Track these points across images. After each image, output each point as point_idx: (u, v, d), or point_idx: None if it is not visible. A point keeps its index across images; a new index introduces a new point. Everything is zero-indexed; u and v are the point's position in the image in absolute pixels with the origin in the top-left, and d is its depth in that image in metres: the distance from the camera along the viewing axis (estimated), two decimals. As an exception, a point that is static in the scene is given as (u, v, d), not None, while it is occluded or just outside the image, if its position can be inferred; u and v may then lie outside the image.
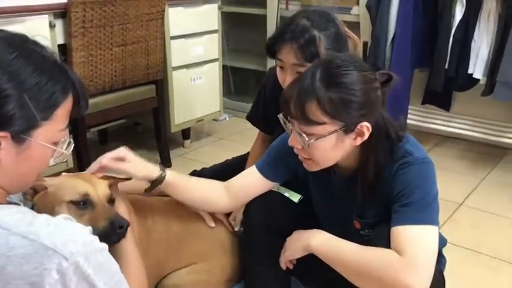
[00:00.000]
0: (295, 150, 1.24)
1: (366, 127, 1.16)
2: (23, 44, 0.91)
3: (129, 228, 1.18)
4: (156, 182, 1.36)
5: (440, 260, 1.43)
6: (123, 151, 1.36)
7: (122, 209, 1.28)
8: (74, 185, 1.15)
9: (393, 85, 1.20)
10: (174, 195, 1.42)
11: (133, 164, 1.34)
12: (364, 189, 1.26)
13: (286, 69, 1.51)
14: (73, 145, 1.01)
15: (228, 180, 1.45)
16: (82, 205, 1.14)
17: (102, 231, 1.11)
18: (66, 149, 1.00)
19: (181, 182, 1.42)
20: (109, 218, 1.14)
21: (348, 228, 1.34)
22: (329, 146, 1.18)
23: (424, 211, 1.17)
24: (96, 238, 0.90)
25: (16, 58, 0.87)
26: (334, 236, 1.24)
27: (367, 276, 1.15)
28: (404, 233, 1.15)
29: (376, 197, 1.25)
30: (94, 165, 1.33)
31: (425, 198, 1.17)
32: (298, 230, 1.32)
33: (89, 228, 0.92)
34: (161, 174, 1.36)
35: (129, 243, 1.20)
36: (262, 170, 1.41)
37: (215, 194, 1.44)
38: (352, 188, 1.29)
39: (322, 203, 1.44)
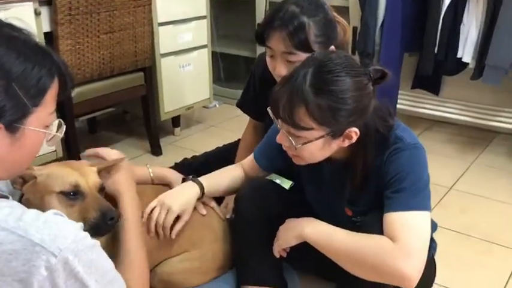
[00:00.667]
0: (283, 147, 1.24)
1: (354, 132, 1.16)
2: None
3: (131, 220, 1.18)
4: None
5: (431, 245, 1.44)
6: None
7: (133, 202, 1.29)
8: (64, 175, 1.13)
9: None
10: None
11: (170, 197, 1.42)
12: (355, 180, 1.26)
13: (276, 58, 1.49)
14: (64, 126, 1.00)
15: (240, 163, 1.56)
16: (72, 196, 1.12)
17: (93, 223, 1.10)
18: (58, 131, 0.99)
19: (214, 186, 1.50)
20: (100, 209, 1.12)
21: (340, 215, 1.35)
22: (316, 149, 1.18)
23: (416, 197, 1.17)
24: (87, 235, 0.88)
25: None
26: (327, 224, 1.24)
27: (361, 264, 1.15)
28: (397, 219, 1.15)
29: (368, 185, 1.26)
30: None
31: (417, 184, 1.18)
32: (290, 219, 1.32)
33: (80, 224, 0.90)
34: (201, 194, 1.45)
35: (130, 234, 1.19)
36: (259, 162, 1.47)
37: (240, 178, 1.53)
38: (343, 176, 1.29)
39: (314, 191, 1.44)
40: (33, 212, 0.87)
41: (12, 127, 0.87)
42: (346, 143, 1.19)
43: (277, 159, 1.44)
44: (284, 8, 1.46)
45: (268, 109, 1.21)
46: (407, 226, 1.14)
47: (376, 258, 1.13)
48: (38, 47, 0.91)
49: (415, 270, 1.11)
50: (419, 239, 1.14)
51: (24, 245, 0.80)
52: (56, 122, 0.98)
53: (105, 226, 1.13)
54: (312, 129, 1.14)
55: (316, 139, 1.15)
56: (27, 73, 0.87)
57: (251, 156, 1.54)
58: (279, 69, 1.49)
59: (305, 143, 1.16)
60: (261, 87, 1.75)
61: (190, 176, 1.49)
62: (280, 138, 1.22)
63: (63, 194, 1.11)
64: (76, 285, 0.84)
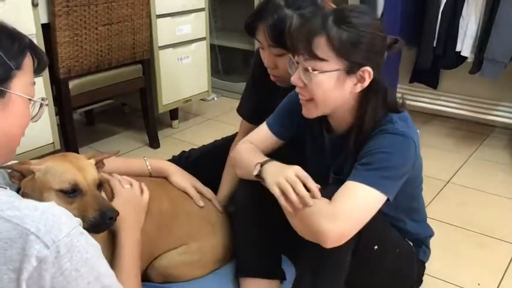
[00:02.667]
0: (297, 89, 1.25)
1: (367, 72, 1.18)
2: None
3: (130, 228, 1.20)
4: None
5: (425, 251, 1.45)
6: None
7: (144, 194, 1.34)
8: (62, 172, 1.12)
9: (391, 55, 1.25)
10: None
11: None
12: (347, 148, 1.26)
13: (265, 50, 1.48)
14: (47, 101, 1.05)
15: (246, 138, 1.48)
16: (71, 193, 1.11)
17: (92, 222, 1.09)
18: (40, 108, 1.03)
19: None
20: (99, 209, 1.11)
21: (325, 183, 1.35)
22: (330, 85, 1.19)
23: (378, 176, 1.16)
24: (85, 232, 0.86)
25: None
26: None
27: (298, 219, 1.18)
28: (347, 187, 1.17)
29: (355, 156, 1.25)
30: None
31: (385, 166, 1.17)
32: (281, 165, 1.29)
33: (78, 219, 0.88)
34: None
35: (127, 232, 1.20)
36: (271, 127, 1.45)
37: None
38: (339, 145, 1.31)
39: (313, 162, 1.45)
40: (31, 202, 0.86)
41: (0, 91, 0.91)
42: (359, 88, 1.20)
43: (289, 125, 1.44)
44: (271, 0, 1.44)
45: (288, 56, 1.25)
46: (350, 194, 1.15)
47: (307, 214, 1.15)
48: (9, 26, 0.97)
49: (334, 231, 1.11)
50: (354, 208, 1.14)
51: (19, 233, 0.79)
52: (40, 98, 1.02)
53: (104, 225, 1.12)
54: (328, 60, 1.17)
55: (332, 70, 1.17)
56: (4, 39, 0.93)
57: (262, 127, 1.48)
58: (267, 62, 1.49)
59: (321, 72, 1.18)
60: (260, 86, 1.72)
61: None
62: (295, 79, 1.23)
63: (62, 191, 1.10)
64: (63, 284, 0.81)
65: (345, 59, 1.16)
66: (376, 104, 1.22)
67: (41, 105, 1.03)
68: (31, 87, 0.99)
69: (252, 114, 1.70)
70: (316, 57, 1.17)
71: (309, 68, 1.18)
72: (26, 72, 0.96)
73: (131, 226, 1.25)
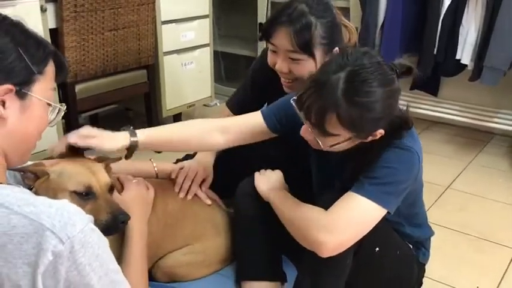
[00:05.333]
0: (305, 138, 1.23)
1: (379, 133, 1.17)
2: (4, 19, 0.97)
3: (138, 219, 1.23)
4: (131, 149, 1.32)
5: (424, 253, 1.47)
6: (85, 128, 1.30)
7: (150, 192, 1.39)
8: (77, 174, 1.15)
9: None
10: (160, 149, 1.52)
11: (100, 138, 1.28)
12: (359, 164, 1.26)
13: (279, 54, 1.48)
14: (65, 107, 1.07)
15: (228, 117, 1.48)
16: (85, 195, 1.14)
17: (104, 225, 1.12)
18: (58, 114, 1.05)
19: (159, 136, 1.39)
20: (112, 212, 1.15)
21: (327, 189, 1.37)
22: (340, 147, 1.19)
23: (381, 191, 1.17)
24: (97, 229, 0.89)
25: (3, 20, 0.95)
26: (286, 192, 1.36)
27: (295, 228, 1.22)
28: (348, 198, 1.18)
29: (361, 166, 1.25)
30: (60, 144, 1.26)
31: (388, 180, 1.18)
32: (272, 172, 1.45)
33: (90, 216, 0.91)
34: (132, 140, 1.31)
35: (135, 224, 1.24)
36: (265, 116, 1.40)
37: (206, 130, 1.40)
38: (346, 155, 1.28)
39: (318, 169, 1.46)
40: (45, 199, 0.89)
41: (22, 93, 0.94)
42: (369, 139, 1.19)
43: (285, 123, 1.39)
44: (293, 6, 1.45)
45: (299, 114, 1.19)
46: (351, 206, 1.17)
47: (303, 222, 1.19)
48: (34, 33, 1.00)
49: (331, 242, 1.14)
50: (352, 220, 1.16)
51: (35, 228, 0.82)
52: (59, 104, 1.05)
53: (115, 228, 1.16)
54: (340, 134, 1.15)
55: (344, 141, 1.17)
56: (31, 42, 0.96)
57: (257, 116, 1.41)
58: (280, 66, 1.49)
59: (332, 146, 1.18)
60: (260, 94, 1.74)
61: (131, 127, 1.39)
62: (305, 133, 1.21)
63: (76, 193, 1.13)
64: (77, 278, 0.84)
65: (356, 131, 1.14)
66: (390, 137, 1.21)
67: (59, 110, 1.06)
68: (51, 92, 1.02)
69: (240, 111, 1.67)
70: (328, 133, 1.14)
71: (319, 140, 1.18)
72: (47, 78, 0.99)
73: (139, 218, 1.30)
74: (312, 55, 1.44)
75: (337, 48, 1.46)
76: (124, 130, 1.34)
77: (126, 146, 1.31)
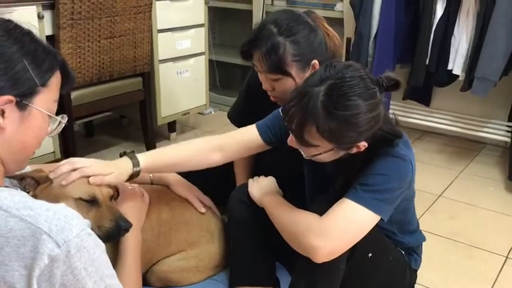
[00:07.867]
0: (293, 147, 1.26)
1: (362, 145, 1.19)
2: (16, 27, 0.97)
3: (133, 226, 1.23)
4: (133, 176, 1.30)
5: (416, 258, 1.49)
6: (80, 163, 1.21)
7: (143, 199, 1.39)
8: (81, 182, 1.16)
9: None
10: (162, 171, 1.50)
11: (97, 166, 1.22)
12: (351, 172, 1.28)
13: (261, 74, 1.50)
14: (67, 118, 1.07)
15: (224, 134, 1.47)
16: (89, 203, 1.16)
17: (107, 232, 1.13)
18: (58, 125, 1.05)
19: (160, 160, 1.38)
20: (115, 220, 1.16)
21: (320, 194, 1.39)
22: (324, 157, 1.22)
23: (375, 199, 1.19)
24: (93, 234, 0.90)
25: (14, 28, 0.94)
26: (281, 198, 1.37)
27: (289, 233, 1.24)
28: (342, 205, 1.20)
29: (355, 173, 1.27)
30: (74, 175, 1.18)
31: (381, 188, 1.20)
32: (266, 179, 1.46)
33: (87, 221, 0.91)
34: (135, 171, 1.29)
35: (130, 241, 1.25)
36: (260, 129, 1.42)
37: (205, 151, 1.43)
38: (340, 162, 1.31)
39: (309, 173, 1.48)
40: (43, 203, 0.89)
41: (22, 104, 0.93)
42: (354, 151, 1.21)
43: (283, 138, 1.39)
44: (264, 27, 1.45)
45: (282, 114, 1.23)
46: (344, 213, 1.18)
47: (297, 227, 1.21)
48: (44, 42, 1.00)
49: (324, 248, 1.15)
50: (346, 227, 1.17)
51: (33, 232, 0.82)
52: (60, 115, 1.05)
53: (117, 236, 1.17)
54: (320, 145, 1.17)
55: (325, 152, 1.19)
56: (38, 53, 0.96)
57: (251, 130, 1.44)
58: (264, 85, 1.52)
59: (314, 155, 1.20)
60: (258, 100, 1.72)
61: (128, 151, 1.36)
62: (292, 143, 1.24)
63: (81, 200, 1.15)
64: (73, 283, 0.84)
65: (336, 143, 1.16)
66: (377, 148, 1.22)
67: (60, 122, 1.06)
68: (53, 103, 1.01)
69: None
70: (308, 144, 1.17)
71: (302, 149, 1.21)
72: (51, 90, 0.99)
73: (134, 226, 1.30)
74: (286, 74, 1.44)
75: (315, 61, 1.46)
76: (125, 155, 1.32)
77: (130, 175, 1.29)
